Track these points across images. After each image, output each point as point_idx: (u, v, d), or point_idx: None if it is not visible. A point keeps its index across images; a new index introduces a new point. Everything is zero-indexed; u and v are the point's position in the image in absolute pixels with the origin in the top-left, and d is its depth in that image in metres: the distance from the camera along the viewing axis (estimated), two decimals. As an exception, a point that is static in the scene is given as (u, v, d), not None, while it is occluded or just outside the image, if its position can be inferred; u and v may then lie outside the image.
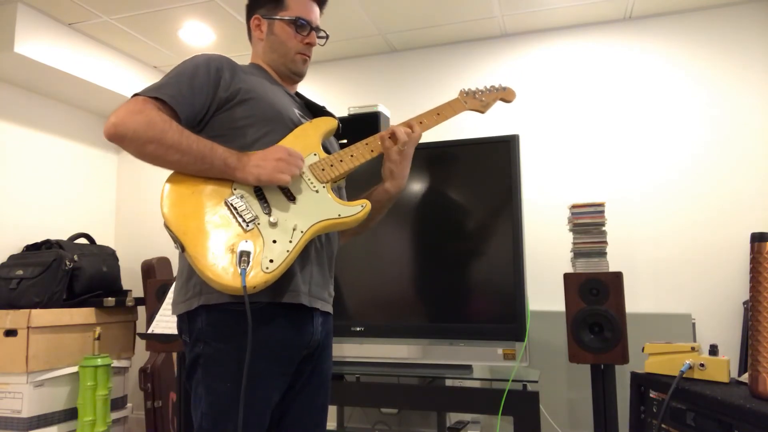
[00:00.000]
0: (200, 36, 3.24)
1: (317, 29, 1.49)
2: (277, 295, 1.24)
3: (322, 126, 1.40)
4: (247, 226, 1.19)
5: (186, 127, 1.23)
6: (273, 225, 1.21)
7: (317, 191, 1.29)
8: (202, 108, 1.28)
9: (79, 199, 3.65)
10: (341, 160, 1.35)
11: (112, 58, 3.38)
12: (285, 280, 1.23)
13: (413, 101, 3.34)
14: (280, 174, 1.21)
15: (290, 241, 1.20)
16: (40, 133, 3.41)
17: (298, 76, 1.50)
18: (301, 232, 1.22)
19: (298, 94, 1.54)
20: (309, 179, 1.30)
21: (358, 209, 1.29)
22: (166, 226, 1.19)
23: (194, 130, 1.27)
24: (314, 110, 1.51)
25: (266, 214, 1.22)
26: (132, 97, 1.23)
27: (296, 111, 1.42)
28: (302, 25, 1.45)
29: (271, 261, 1.17)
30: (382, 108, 2.79)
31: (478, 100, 1.58)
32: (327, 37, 1.53)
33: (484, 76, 3.22)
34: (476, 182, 2.42)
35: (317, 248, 1.35)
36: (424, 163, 2.51)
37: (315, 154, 1.34)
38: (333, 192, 1.32)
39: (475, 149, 2.45)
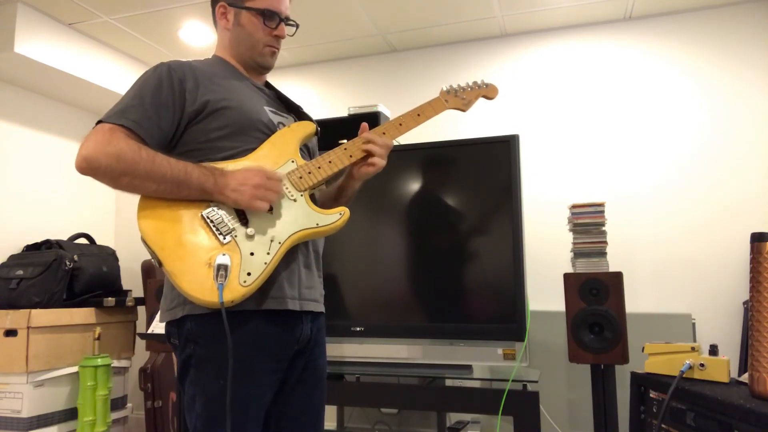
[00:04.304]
0: (200, 36, 3.24)
1: (286, 20, 1.42)
2: (262, 303, 1.22)
3: (300, 131, 1.37)
4: (224, 238, 1.18)
5: (157, 149, 1.21)
6: (250, 237, 1.20)
7: (295, 200, 1.27)
8: (170, 128, 1.26)
9: (79, 199, 3.65)
10: (319, 167, 1.32)
11: (112, 58, 3.38)
12: (270, 287, 1.23)
13: (413, 101, 3.29)
14: (258, 201, 1.19)
15: (268, 253, 1.20)
16: (40, 133, 3.41)
17: (266, 69, 1.45)
18: (279, 243, 1.22)
19: (268, 85, 1.50)
20: (287, 188, 1.28)
21: (336, 217, 1.28)
22: (143, 240, 1.19)
23: (167, 147, 1.26)
24: (287, 103, 1.47)
25: (243, 225, 1.21)
26: (97, 124, 1.20)
27: (268, 110, 1.38)
28: (271, 16, 1.38)
29: (249, 274, 1.17)
30: (382, 108, 2.79)
31: (460, 98, 1.55)
32: (297, 26, 1.46)
33: (484, 77, 3.22)
34: (476, 182, 2.42)
35: (303, 250, 1.33)
36: (424, 163, 2.51)
37: (293, 161, 1.32)
38: (311, 199, 1.30)
39: (474, 149, 2.45)
